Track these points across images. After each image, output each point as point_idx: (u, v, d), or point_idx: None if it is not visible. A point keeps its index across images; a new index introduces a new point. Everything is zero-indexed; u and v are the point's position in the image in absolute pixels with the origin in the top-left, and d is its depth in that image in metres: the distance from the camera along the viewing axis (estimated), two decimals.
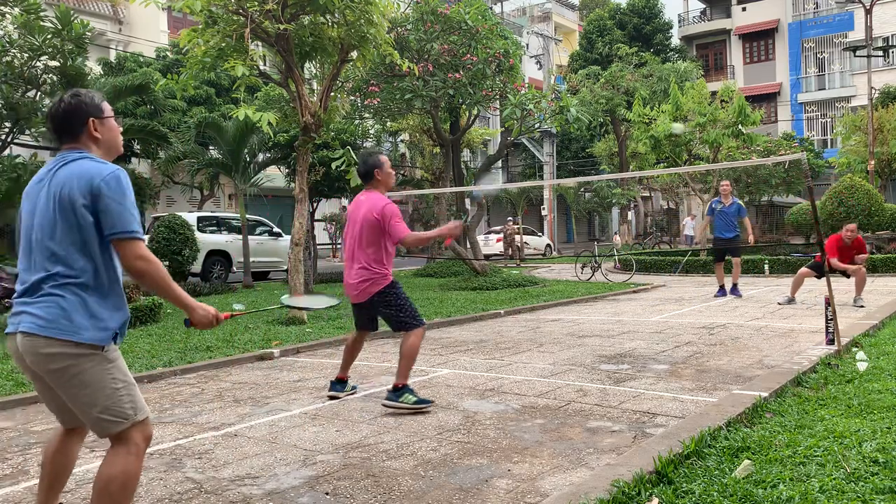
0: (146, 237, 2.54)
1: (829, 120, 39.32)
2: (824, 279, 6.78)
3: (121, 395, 2.57)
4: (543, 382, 5.79)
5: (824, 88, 40.12)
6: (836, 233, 10.60)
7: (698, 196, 21.40)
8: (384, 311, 5.08)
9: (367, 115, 17.76)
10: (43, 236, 2.54)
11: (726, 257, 12.30)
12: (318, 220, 21.82)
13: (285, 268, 17.94)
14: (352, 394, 5.50)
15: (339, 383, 5.45)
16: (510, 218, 27.57)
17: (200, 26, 8.98)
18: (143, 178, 23.29)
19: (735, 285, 12.08)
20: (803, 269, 10.52)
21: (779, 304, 10.70)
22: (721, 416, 4.10)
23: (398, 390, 4.94)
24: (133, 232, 2.53)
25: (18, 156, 15.60)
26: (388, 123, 20.33)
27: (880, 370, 5.26)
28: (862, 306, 9.87)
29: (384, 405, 4.96)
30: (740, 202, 12.19)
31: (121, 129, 2.83)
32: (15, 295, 2.58)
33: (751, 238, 12.06)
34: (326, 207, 29.32)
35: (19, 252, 2.63)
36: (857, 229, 10.46)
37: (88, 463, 4.03)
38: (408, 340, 5.00)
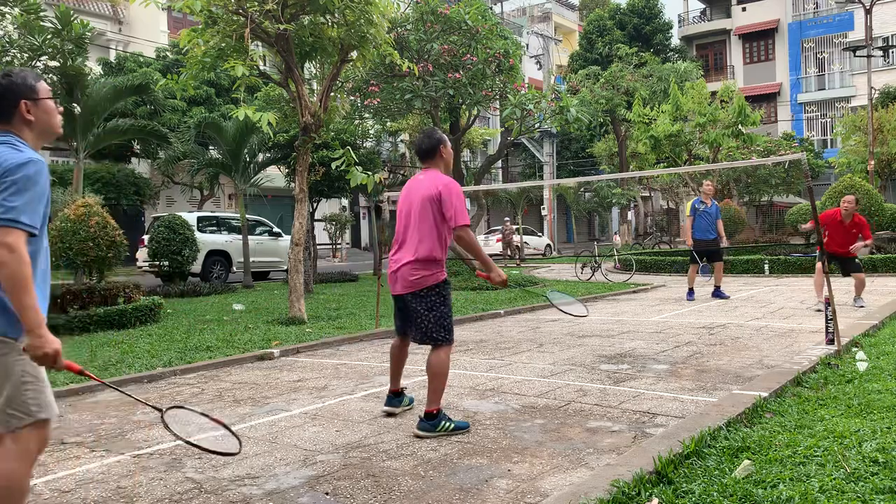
0: (25, 232, 2.38)
1: (829, 120, 39.34)
2: (832, 280, 6.76)
3: (27, 388, 2.46)
4: (543, 382, 5.79)
5: (824, 88, 40.14)
6: (835, 207, 9.60)
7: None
8: (418, 311, 4.43)
9: (367, 115, 17.77)
10: None
11: (704, 261, 11.95)
12: (318, 220, 21.84)
13: (285, 268, 17.94)
14: (409, 409, 4.98)
15: (395, 397, 4.89)
16: (507, 218, 27.61)
17: (200, 26, 8.99)
18: (142, 178, 23.33)
19: (718, 288, 11.87)
20: (818, 265, 9.66)
21: (817, 310, 9.66)
22: (721, 416, 4.10)
23: (433, 417, 4.35)
24: (9, 220, 2.35)
25: None
26: (388, 123, 20.36)
27: (880, 370, 5.26)
28: (862, 306, 9.79)
29: (418, 436, 4.32)
30: (717, 204, 11.98)
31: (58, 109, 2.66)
32: None
33: (724, 240, 11.72)
34: (326, 207, 29.32)
35: None
36: (855, 202, 9.49)
37: (89, 462, 4.03)
38: (436, 357, 4.41)
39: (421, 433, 4.31)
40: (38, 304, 2.42)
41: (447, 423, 4.35)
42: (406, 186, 4.74)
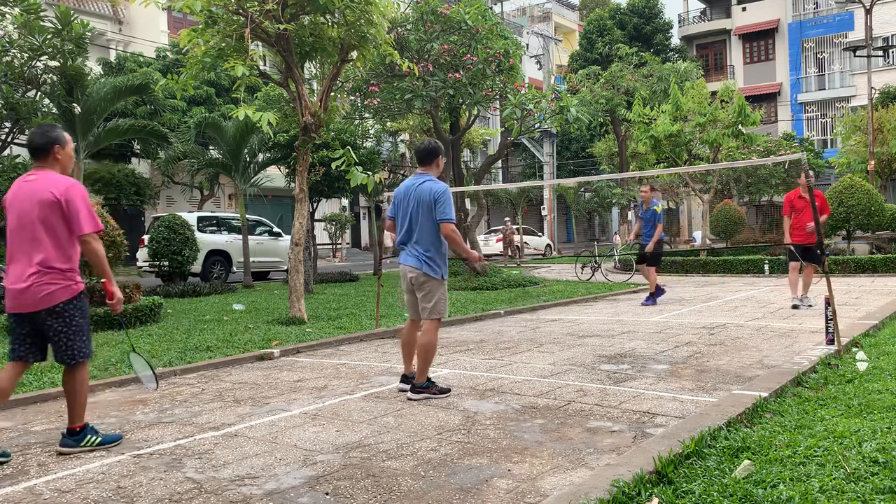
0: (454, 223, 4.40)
1: (829, 120, 39.31)
2: (829, 279, 6.75)
3: (442, 302, 5.34)
4: (543, 382, 5.79)
5: (824, 88, 40.11)
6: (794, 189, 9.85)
7: (698, 196, 21.39)
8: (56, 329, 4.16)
9: (367, 115, 17.78)
10: None
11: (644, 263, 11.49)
12: (318, 220, 21.85)
13: (285, 268, 17.95)
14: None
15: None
16: (507, 218, 27.63)
17: (200, 26, 8.98)
18: (142, 178, 23.33)
19: (651, 294, 11.40)
20: (792, 265, 9.93)
21: (793, 307, 9.94)
22: (721, 416, 4.10)
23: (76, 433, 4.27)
24: (450, 218, 5.12)
25: (18, 156, 15.60)
26: (388, 123, 20.37)
27: (880, 370, 5.26)
28: (810, 305, 9.63)
29: (61, 453, 4.19)
30: (657, 209, 11.31)
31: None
32: None
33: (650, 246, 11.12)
34: (326, 207, 29.32)
35: None
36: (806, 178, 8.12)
37: (89, 462, 4.03)
38: (75, 373, 4.22)
39: (64, 450, 4.15)
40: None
41: (93, 437, 4.21)
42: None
